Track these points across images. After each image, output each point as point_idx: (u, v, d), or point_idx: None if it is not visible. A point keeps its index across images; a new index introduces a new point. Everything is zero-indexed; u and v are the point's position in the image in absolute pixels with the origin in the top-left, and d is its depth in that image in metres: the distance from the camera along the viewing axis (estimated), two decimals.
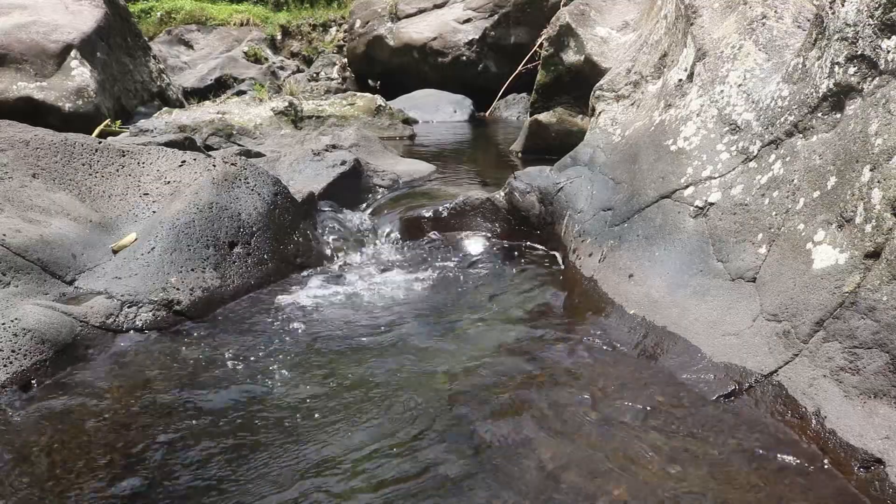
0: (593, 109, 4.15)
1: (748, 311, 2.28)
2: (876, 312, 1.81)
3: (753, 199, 2.49)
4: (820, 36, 2.34)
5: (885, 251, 1.83)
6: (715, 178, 2.72)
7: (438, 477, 1.84)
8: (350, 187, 4.71)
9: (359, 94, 8.69)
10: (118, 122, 6.80)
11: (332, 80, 12.10)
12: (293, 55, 14.44)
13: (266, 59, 13.72)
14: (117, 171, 3.56)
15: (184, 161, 3.68)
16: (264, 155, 5.44)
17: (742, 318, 2.28)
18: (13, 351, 2.33)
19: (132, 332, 2.74)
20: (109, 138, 5.19)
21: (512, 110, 9.78)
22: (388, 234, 4.10)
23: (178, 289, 2.94)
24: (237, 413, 2.16)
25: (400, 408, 2.19)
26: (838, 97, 2.20)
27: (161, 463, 1.91)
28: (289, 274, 3.46)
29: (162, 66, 9.50)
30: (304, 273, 3.51)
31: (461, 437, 2.02)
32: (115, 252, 3.09)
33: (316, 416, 2.15)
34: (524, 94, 9.37)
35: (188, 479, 1.84)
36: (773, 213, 2.36)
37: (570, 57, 5.87)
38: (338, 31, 14.49)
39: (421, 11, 11.15)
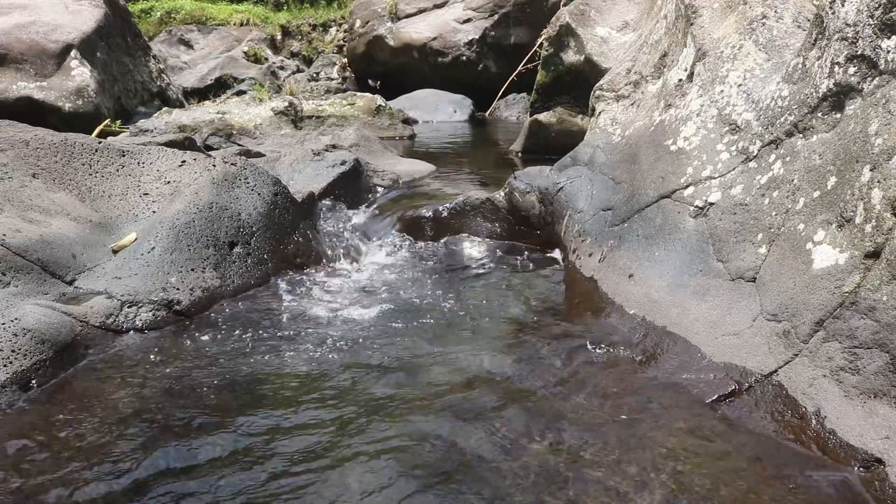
0: (593, 109, 4.15)
1: (748, 311, 2.28)
2: (876, 312, 1.81)
3: (753, 199, 2.49)
4: (820, 36, 2.34)
5: (885, 251, 1.83)
6: (715, 178, 2.72)
7: (438, 475, 1.84)
8: (350, 187, 4.71)
9: (359, 94, 8.69)
10: (118, 122, 6.81)
11: (332, 80, 12.10)
12: (293, 55, 14.45)
13: (266, 59, 13.72)
14: (117, 171, 3.56)
15: (184, 161, 3.68)
16: (264, 155, 5.44)
17: (742, 318, 2.28)
18: (13, 351, 2.33)
19: (132, 332, 2.74)
20: (109, 138, 5.20)
21: (512, 110, 9.77)
22: (387, 234, 4.10)
23: (178, 289, 2.95)
24: (237, 413, 2.16)
25: (401, 405, 2.19)
26: (838, 97, 2.20)
27: (161, 463, 1.91)
28: (289, 274, 3.46)
29: (162, 66, 9.50)
30: (305, 273, 3.51)
31: (462, 435, 2.02)
32: (115, 252, 3.09)
33: (316, 415, 2.15)
34: (524, 94, 9.37)
35: (188, 479, 1.84)
36: (773, 213, 2.36)
37: (570, 57, 5.87)
38: (338, 31, 14.50)
39: (421, 11, 11.14)
